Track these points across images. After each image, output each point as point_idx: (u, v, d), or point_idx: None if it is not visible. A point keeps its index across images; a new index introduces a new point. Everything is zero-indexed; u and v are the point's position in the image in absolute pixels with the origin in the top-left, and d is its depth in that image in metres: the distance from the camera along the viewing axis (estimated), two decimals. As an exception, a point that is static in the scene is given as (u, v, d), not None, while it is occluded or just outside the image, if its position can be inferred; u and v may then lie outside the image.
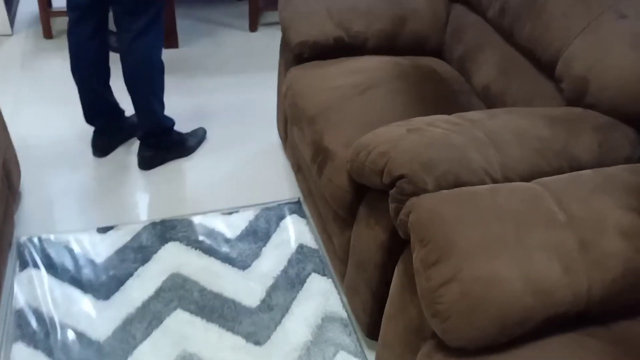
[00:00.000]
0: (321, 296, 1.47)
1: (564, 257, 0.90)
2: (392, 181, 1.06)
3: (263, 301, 1.45)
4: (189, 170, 1.89)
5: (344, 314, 1.44)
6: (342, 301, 1.48)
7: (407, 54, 1.69)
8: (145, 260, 1.52)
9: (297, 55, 1.62)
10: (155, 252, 1.54)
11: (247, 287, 1.48)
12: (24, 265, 1.48)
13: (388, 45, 1.66)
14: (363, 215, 1.24)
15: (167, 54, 2.01)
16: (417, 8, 1.69)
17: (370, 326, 1.31)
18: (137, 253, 1.54)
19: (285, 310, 1.43)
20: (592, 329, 0.92)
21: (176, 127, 1.91)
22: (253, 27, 2.79)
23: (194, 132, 2.00)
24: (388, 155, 1.08)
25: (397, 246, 1.15)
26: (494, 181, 1.06)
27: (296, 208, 1.75)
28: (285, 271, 1.53)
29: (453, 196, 0.97)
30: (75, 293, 1.42)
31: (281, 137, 1.91)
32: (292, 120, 1.54)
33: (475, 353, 0.89)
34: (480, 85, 1.54)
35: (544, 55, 1.33)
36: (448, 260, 0.88)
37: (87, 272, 1.48)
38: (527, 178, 1.08)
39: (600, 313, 0.93)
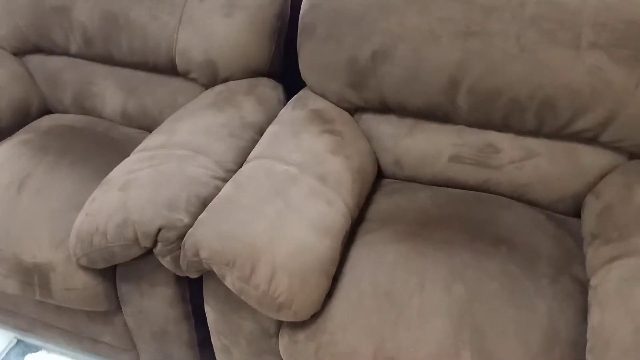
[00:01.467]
0: (132, 394, 1.33)
1: (315, 196, 1.07)
2: (153, 239, 1.02)
3: None
4: None
5: (166, 387, 1.35)
6: (153, 380, 1.37)
7: (19, 128, 1.51)
8: None
9: None
10: None
11: None
12: None
13: (-6, 131, 1.44)
14: (129, 291, 1.15)
15: None
16: (-8, 79, 1.49)
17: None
18: None
19: None
20: (365, 227, 1.14)
21: None
22: None
23: None
24: (130, 222, 1.02)
25: (186, 290, 1.14)
26: (224, 180, 1.14)
27: (23, 348, 1.46)
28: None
29: (216, 213, 1.01)
30: None
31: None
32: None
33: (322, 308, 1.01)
34: (117, 114, 1.52)
35: (159, 60, 1.40)
36: (259, 260, 0.95)
37: None
38: (240, 162, 1.20)
39: (359, 213, 1.17)
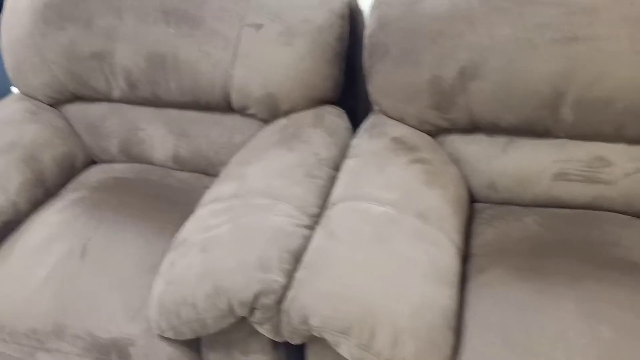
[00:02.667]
0: None
1: (421, 238, 0.95)
2: (251, 307, 0.90)
3: None
4: None
5: None
6: None
7: (66, 183, 1.40)
8: None
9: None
10: None
11: None
12: None
13: (42, 192, 1.33)
14: (220, 362, 1.04)
15: None
16: (29, 135, 1.38)
17: None
18: None
19: None
20: (476, 265, 1.02)
21: None
22: None
23: None
24: (222, 290, 0.90)
25: (284, 357, 1.03)
26: (310, 228, 1.02)
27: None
28: None
29: (317, 271, 0.90)
30: None
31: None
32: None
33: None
34: (168, 159, 1.41)
35: (212, 98, 1.29)
36: (378, 324, 0.83)
37: None
38: (322, 205, 1.08)
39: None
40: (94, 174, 1.42)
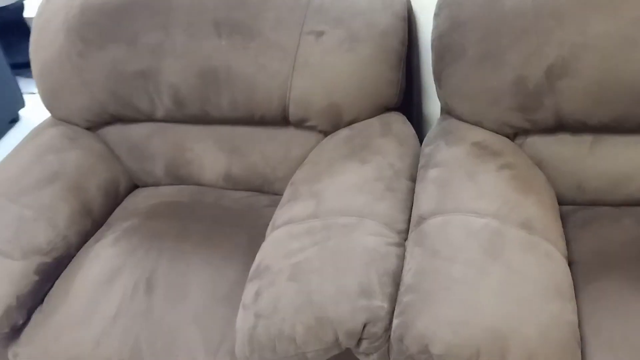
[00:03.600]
0: None
1: (531, 250, 0.89)
2: (358, 337, 0.83)
3: None
4: None
5: None
6: None
7: (110, 212, 1.32)
8: None
9: None
10: None
11: None
12: None
13: (90, 223, 1.25)
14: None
15: None
16: (72, 163, 1.29)
17: None
18: None
19: None
20: (582, 273, 0.96)
21: None
22: None
23: None
24: (326, 321, 0.83)
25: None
26: (399, 245, 0.96)
27: None
28: None
29: (428, 294, 0.83)
30: None
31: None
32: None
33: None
34: (219, 178, 1.34)
35: (268, 113, 1.22)
36: (508, 348, 0.77)
37: None
38: (407, 219, 1.02)
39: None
40: (141, 200, 1.34)
